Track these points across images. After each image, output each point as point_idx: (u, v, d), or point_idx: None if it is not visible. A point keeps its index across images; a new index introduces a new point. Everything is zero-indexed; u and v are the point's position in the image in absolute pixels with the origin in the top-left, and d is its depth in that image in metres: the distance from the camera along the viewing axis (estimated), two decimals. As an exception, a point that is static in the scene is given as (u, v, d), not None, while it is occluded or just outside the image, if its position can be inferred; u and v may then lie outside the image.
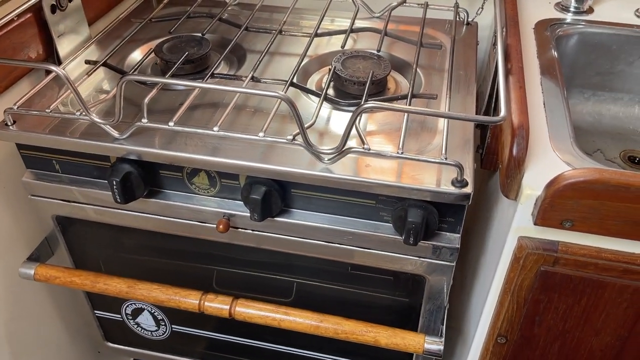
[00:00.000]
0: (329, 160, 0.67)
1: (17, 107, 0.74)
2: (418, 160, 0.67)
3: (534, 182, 0.60)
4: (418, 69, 0.86)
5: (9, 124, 0.75)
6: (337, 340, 0.90)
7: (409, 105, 0.75)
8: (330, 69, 0.84)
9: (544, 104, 0.73)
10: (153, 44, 0.94)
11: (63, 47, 0.90)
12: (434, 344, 0.74)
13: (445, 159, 0.65)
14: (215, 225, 0.77)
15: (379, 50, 0.88)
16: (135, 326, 1.01)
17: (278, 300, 0.90)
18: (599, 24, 0.95)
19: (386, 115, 0.78)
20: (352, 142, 0.71)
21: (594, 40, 0.95)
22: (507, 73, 0.71)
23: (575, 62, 0.97)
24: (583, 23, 0.95)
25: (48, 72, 0.84)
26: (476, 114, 0.79)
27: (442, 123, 0.74)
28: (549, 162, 0.62)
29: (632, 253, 0.61)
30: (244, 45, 0.94)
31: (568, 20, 0.95)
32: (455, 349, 0.96)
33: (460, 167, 0.64)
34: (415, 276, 0.77)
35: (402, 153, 0.66)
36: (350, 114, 0.77)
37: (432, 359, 0.82)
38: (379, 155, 0.67)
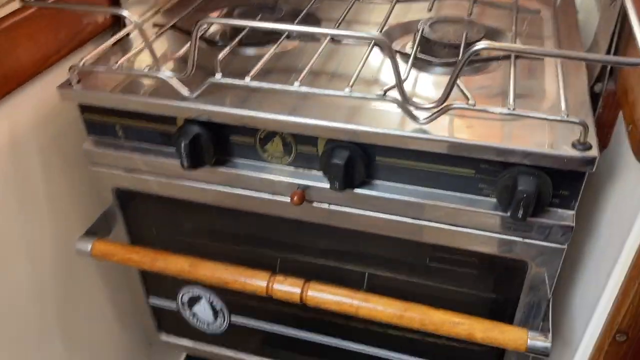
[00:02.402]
0: (425, 119, 0.59)
1: (83, 64, 0.69)
2: (534, 118, 0.57)
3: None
4: (517, 38, 0.77)
5: (74, 83, 0.70)
6: (414, 338, 0.81)
7: (514, 65, 0.66)
8: (415, 35, 0.77)
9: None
10: (224, 12, 0.88)
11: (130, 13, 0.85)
12: (540, 341, 0.63)
13: (567, 115, 0.55)
14: (288, 199, 0.69)
15: (469, 15, 0.79)
16: (191, 317, 0.94)
17: (347, 293, 0.82)
18: None
19: (484, 79, 0.69)
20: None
21: None
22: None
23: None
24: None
25: (114, 33, 0.80)
26: (588, 84, 0.69)
27: (551, 85, 0.65)
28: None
29: None
30: (319, 15, 0.87)
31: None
32: (553, 351, 0.85)
33: (585, 126, 0.55)
34: (514, 262, 0.67)
35: (513, 109, 0.57)
36: (442, 75, 0.70)
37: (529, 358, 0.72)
38: (486, 112, 0.58)
